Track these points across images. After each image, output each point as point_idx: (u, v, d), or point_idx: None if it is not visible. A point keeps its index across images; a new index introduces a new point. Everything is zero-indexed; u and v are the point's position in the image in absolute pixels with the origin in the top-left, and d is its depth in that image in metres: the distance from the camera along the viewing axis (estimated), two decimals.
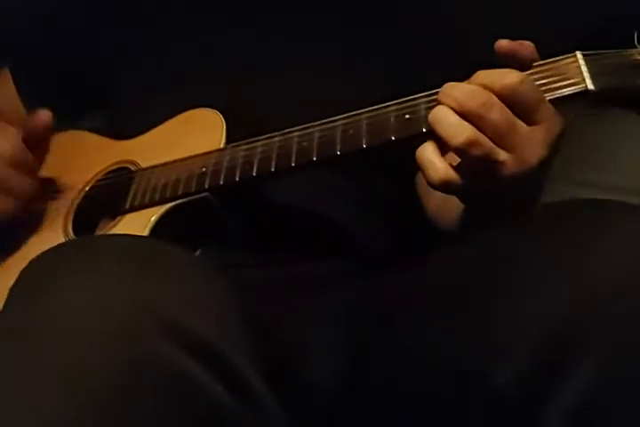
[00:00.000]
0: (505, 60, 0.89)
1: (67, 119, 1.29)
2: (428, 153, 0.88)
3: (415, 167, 1.14)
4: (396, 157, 1.13)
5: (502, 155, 0.86)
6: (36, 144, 1.12)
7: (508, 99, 0.86)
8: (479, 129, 0.85)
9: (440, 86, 0.92)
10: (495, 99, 0.86)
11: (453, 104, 0.87)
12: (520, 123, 0.86)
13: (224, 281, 0.86)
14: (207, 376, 0.75)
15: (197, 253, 1.02)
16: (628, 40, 0.91)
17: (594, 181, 0.86)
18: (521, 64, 0.89)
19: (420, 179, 1.16)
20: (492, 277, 0.84)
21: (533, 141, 0.86)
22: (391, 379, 0.92)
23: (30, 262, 0.82)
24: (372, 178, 1.14)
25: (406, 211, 1.17)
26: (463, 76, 0.92)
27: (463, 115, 0.86)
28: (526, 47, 0.90)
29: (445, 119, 0.87)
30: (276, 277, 1.06)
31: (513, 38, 0.90)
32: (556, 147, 0.88)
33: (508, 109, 0.86)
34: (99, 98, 1.28)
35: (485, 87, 0.86)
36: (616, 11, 1.28)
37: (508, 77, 0.86)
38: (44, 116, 1.11)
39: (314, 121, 0.99)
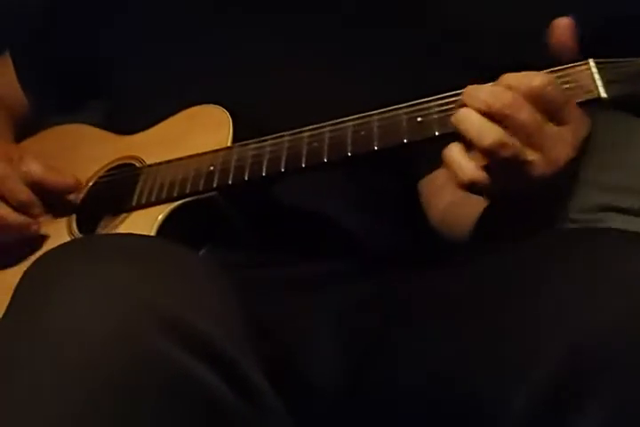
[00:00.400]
0: (554, 38, 0.88)
1: (66, 110, 1.29)
2: (454, 153, 0.87)
3: (418, 168, 1.16)
4: (400, 158, 1.14)
5: (531, 155, 0.85)
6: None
7: (536, 100, 0.85)
8: (507, 130, 0.85)
9: (440, 86, 0.92)
10: (522, 99, 0.85)
11: (479, 105, 0.86)
12: (548, 123, 0.86)
13: (227, 281, 0.85)
14: (210, 375, 0.75)
15: (202, 252, 1.02)
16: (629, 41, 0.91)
17: (594, 181, 0.86)
18: (560, 53, 0.88)
19: (423, 188, 1.17)
20: (503, 297, 0.84)
21: (561, 142, 0.86)
22: (391, 379, 0.92)
23: (35, 262, 0.82)
24: (374, 178, 1.14)
25: (409, 211, 1.17)
26: (463, 76, 0.92)
27: (490, 115, 0.85)
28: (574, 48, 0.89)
29: (471, 121, 0.86)
30: (277, 277, 1.06)
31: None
32: (582, 148, 0.87)
33: (535, 110, 0.85)
34: (98, 92, 1.28)
35: (511, 89, 0.85)
36: (616, 11, 1.29)
37: (535, 79, 0.85)
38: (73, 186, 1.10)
39: (315, 121, 0.99)
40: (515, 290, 0.84)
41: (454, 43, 1.21)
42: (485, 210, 1.00)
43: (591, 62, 0.88)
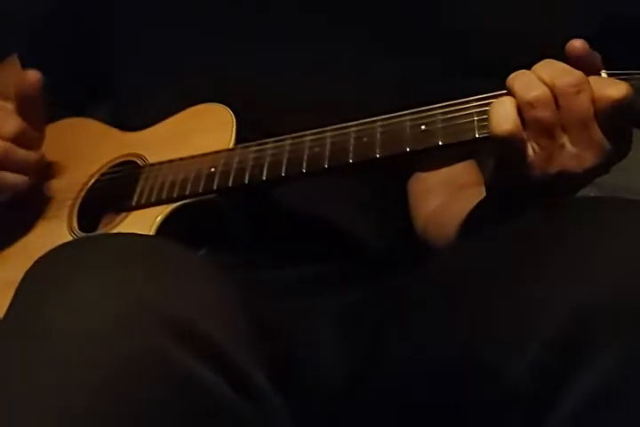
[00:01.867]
0: (575, 63, 0.84)
1: (71, 108, 1.29)
2: (507, 106, 0.83)
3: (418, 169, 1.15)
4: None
5: (565, 140, 0.82)
6: (31, 112, 1.09)
7: (602, 100, 0.81)
8: (558, 107, 0.82)
9: (443, 87, 0.92)
10: (590, 87, 0.81)
11: (545, 75, 0.82)
12: (596, 126, 0.82)
13: (227, 281, 0.86)
14: (212, 374, 0.75)
15: (201, 252, 1.02)
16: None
17: (594, 181, 0.86)
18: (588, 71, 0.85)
19: (411, 186, 1.17)
20: (503, 267, 0.82)
21: (599, 149, 0.83)
22: (391, 380, 0.92)
23: (36, 262, 0.82)
24: (376, 178, 1.14)
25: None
26: (463, 77, 0.91)
27: (551, 89, 0.82)
28: (596, 56, 0.86)
29: (525, 76, 0.83)
30: (277, 278, 1.06)
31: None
32: (607, 170, 0.85)
33: (594, 106, 0.81)
34: (102, 90, 1.27)
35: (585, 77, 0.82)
36: (616, 10, 1.29)
37: (620, 87, 0.81)
38: (33, 76, 1.07)
39: (319, 122, 0.98)
40: (516, 262, 0.82)
41: (455, 45, 1.20)
42: (478, 204, 0.98)
43: (603, 74, 0.86)
